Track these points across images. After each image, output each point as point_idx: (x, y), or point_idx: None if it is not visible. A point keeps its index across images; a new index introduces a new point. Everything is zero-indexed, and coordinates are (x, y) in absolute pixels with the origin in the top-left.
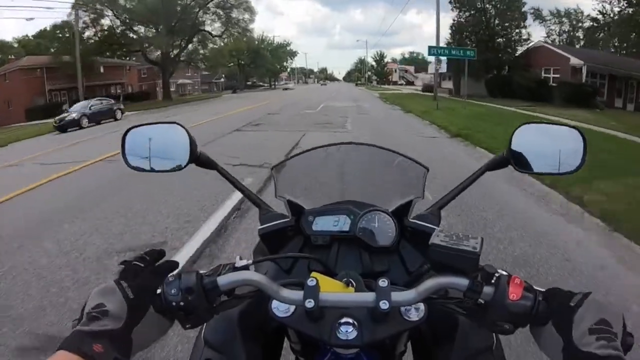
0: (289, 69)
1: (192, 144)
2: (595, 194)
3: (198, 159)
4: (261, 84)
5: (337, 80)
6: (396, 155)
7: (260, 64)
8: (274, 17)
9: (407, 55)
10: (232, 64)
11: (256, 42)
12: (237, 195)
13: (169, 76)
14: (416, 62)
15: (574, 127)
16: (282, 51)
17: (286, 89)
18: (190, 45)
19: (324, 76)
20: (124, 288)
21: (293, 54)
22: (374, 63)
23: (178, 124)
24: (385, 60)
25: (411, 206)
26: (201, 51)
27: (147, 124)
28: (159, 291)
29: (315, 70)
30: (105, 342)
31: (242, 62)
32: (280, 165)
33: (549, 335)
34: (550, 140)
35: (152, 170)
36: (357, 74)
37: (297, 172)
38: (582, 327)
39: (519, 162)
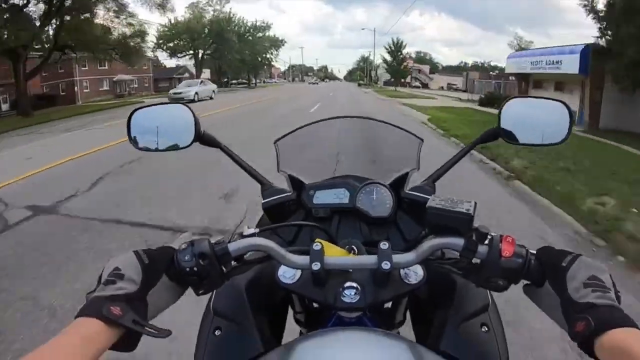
0: (283, 63)
1: (197, 123)
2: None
3: (202, 137)
4: (243, 81)
5: (338, 79)
6: (392, 127)
7: (229, 54)
8: (277, 14)
9: (413, 55)
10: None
11: (222, 24)
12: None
13: (22, 71)
14: (423, 63)
15: (559, 100)
16: (261, 37)
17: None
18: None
19: (324, 74)
20: (139, 254)
21: (277, 43)
22: (387, 56)
23: (183, 104)
24: (404, 52)
25: (407, 178)
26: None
27: (151, 105)
28: (172, 257)
29: (315, 68)
30: (122, 304)
31: (199, 51)
32: (283, 139)
33: (545, 295)
34: (537, 114)
35: (157, 149)
36: (360, 73)
37: (298, 146)
38: (575, 282)
39: (508, 134)
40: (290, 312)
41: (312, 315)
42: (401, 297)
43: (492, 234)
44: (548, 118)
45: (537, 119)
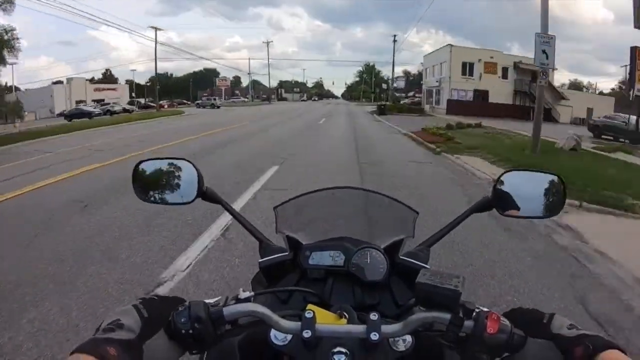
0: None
1: (200, 179)
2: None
3: (204, 193)
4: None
5: (335, 97)
6: (389, 199)
7: None
8: (276, 32)
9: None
10: None
11: None
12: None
13: None
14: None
15: (553, 173)
16: None
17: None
18: None
19: (316, 92)
20: (139, 308)
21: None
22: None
23: (187, 160)
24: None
25: (402, 244)
26: None
27: (157, 158)
28: (170, 318)
29: (310, 85)
30: (119, 348)
31: None
32: (282, 205)
33: (528, 351)
34: (532, 185)
35: (161, 202)
36: (364, 87)
37: (296, 210)
38: (562, 329)
39: (502, 205)
40: None
41: None
42: None
43: (478, 309)
44: (543, 190)
45: (532, 191)
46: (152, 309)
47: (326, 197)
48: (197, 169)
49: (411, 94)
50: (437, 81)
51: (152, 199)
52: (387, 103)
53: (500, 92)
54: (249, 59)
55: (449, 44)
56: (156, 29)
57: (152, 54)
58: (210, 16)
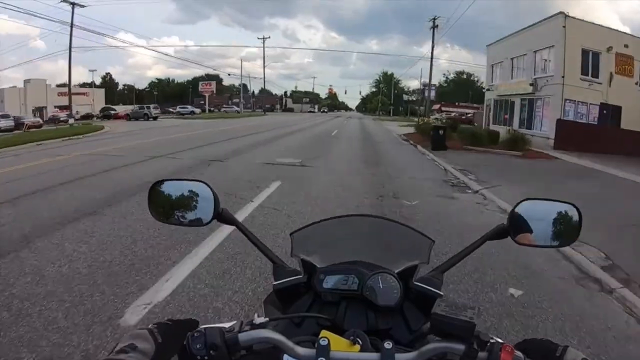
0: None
1: (216, 201)
2: None
3: (220, 215)
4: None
5: (350, 109)
6: (405, 227)
7: None
8: (292, 43)
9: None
10: None
11: None
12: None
13: None
14: None
15: (569, 202)
16: None
17: None
18: None
19: (330, 103)
20: (153, 333)
21: None
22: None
23: (203, 182)
24: None
25: (416, 269)
26: None
27: (173, 179)
28: (185, 343)
29: (323, 95)
30: None
31: None
32: (298, 231)
33: None
34: (547, 214)
35: (176, 223)
36: (381, 99)
37: (312, 235)
38: None
39: (517, 233)
40: None
41: None
42: None
43: (492, 340)
44: (558, 219)
45: (547, 219)
46: (166, 334)
47: (342, 222)
48: (213, 191)
49: (436, 106)
50: (531, 84)
51: (168, 219)
52: (440, 124)
53: (635, 108)
54: (241, 59)
55: (560, 12)
56: (73, 4)
57: (165, 62)
58: (226, 25)
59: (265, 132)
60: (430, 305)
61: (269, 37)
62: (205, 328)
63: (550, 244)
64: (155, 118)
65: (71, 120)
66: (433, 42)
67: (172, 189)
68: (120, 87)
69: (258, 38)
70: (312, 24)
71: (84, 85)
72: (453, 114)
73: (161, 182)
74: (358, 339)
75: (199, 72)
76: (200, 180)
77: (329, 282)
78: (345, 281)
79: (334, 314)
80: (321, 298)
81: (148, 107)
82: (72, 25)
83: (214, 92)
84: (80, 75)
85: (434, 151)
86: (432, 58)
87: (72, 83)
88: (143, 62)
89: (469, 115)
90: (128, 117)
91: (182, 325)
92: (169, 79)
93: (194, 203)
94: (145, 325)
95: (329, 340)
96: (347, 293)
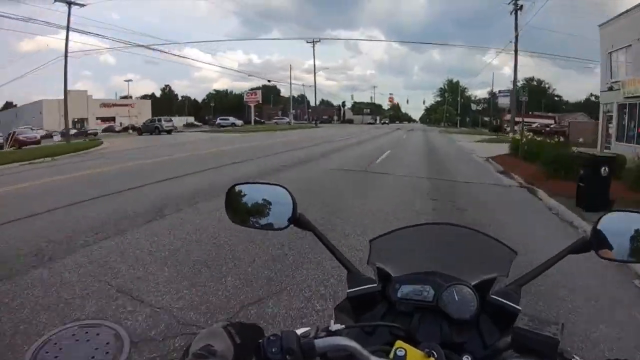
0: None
1: (294, 205)
2: None
3: (297, 220)
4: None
5: (413, 120)
6: (487, 237)
7: None
8: (355, 54)
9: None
10: None
11: None
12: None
13: None
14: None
15: None
16: None
17: None
18: None
19: (392, 114)
20: (231, 332)
21: None
22: None
23: (282, 186)
24: None
25: (494, 282)
26: None
27: (251, 182)
28: (260, 346)
29: (385, 107)
30: None
31: None
32: (377, 238)
33: None
34: (633, 228)
35: (253, 226)
36: (446, 109)
37: (390, 243)
38: None
39: (599, 247)
40: None
41: None
42: None
43: (576, 359)
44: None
45: (633, 233)
46: (242, 335)
47: (421, 231)
48: (292, 196)
49: (507, 116)
50: None
51: (245, 222)
52: (587, 154)
53: None
54: (290, 66)
55: None
56: (70, 4)
57: (229, 75)
58: (289, 39)
59: (285, 153)
60: (506, 320)
61: (319, 41)
62: (282, 332)
63: (632, 259)
64: (168, 132)
65: (57, 137)
66: (516, 23)
67: (249, 191)
68: (180, 98)
69: (307, 42)
70: (374, 34)
71: (144, 97)
72: (535, 125)
73: (238, 184)
74: (433, 352)
75: (261, 84)
76: (280, 184)
77: (404, 291)
78: (420, 291)
79: (407, 325)
80: (395, 308)
81: (159, 120)
82: (68, 28)
83: (260, 101)
84: (145, 88)
85: (588, 212)
86: (516, 47)
87: (135, 95)
88: (210, 76)
89: (553, 126)
90: (140, 131)
91: (250, 329)
92: (226, 90)
93: (272, 206)
94: (220, 322)
95: (405, 351)
96: (422, 304)
